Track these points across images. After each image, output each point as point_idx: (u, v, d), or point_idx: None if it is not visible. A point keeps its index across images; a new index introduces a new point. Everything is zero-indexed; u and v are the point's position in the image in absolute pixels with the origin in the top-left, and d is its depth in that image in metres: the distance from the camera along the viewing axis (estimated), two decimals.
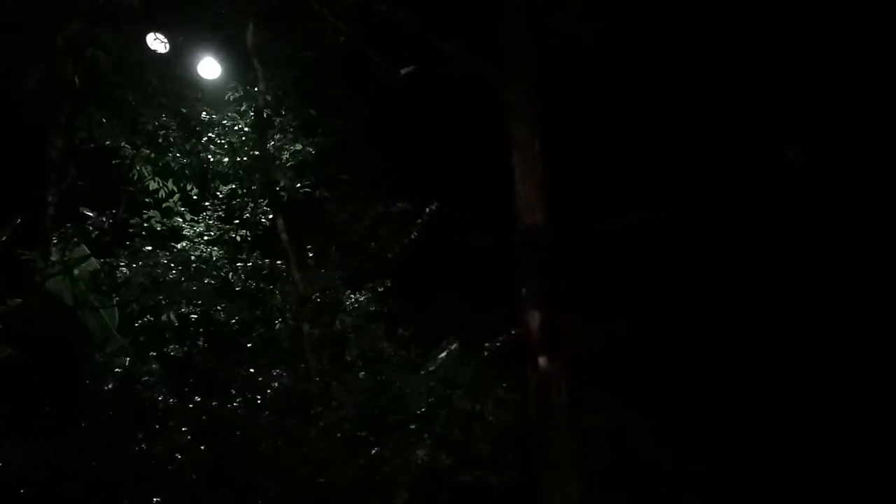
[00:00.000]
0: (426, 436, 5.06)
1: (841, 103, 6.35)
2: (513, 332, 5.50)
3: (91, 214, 5.19)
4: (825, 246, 6.63)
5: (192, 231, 5.94)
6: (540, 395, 5.60)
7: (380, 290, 5.76)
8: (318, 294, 5.54)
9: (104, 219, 5.20)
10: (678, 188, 7.00)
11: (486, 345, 5.59)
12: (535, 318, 5.44)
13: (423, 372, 5.49)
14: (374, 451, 4.87)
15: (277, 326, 5.55)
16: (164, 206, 5.95)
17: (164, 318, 5.42)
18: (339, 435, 4.84)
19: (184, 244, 5.84)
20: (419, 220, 5.85)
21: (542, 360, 5.57)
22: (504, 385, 5.77)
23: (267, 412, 4.94)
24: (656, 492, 6.51)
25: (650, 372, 6.77)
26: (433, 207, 5.92)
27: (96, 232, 5.21)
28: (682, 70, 6.62)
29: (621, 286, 6.86)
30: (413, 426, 5.15)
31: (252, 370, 5.25)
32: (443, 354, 5.67)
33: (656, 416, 6.66)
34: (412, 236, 5.77)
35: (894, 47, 5.96)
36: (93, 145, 5.60)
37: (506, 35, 5.55)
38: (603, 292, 6.62)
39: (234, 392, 5.12)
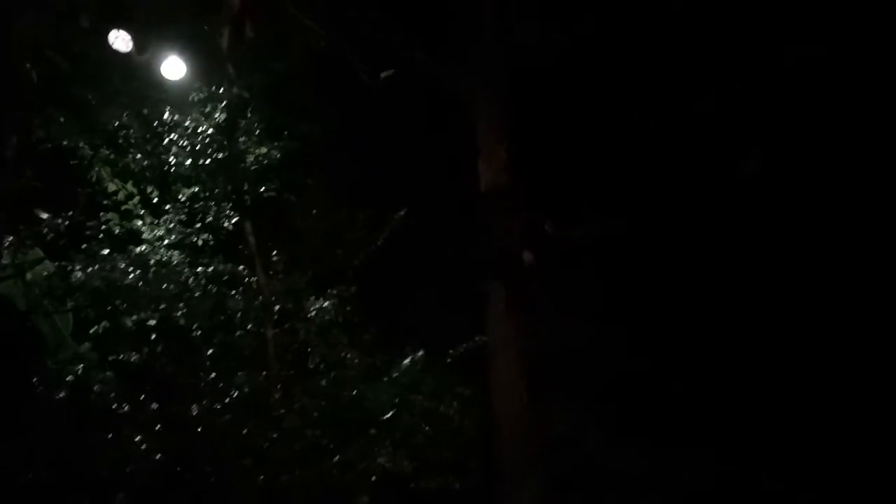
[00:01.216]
0: (388, 442, 5.05)
1: (796, 115, 6.60)
2: (476, 339, 5.54)
3: (46, 216, 5.04)
4: (783, 252, 6.86)
5: (152, 234, 5.80)
6: (501, 399, 5.64)
7: (344, 296, 5.73)
8: (281, 300, 5.48)
9: (60, 221, 5.05)
10: (642, 196, 7.16)
11: (451, 352, 5.61)
12: (496, 324, 5.48)
13: (386, 378, 5.48)
14: (336, 458, 4.84)
15: (239, 333, 5.47)
16: (123, 208, 5.80)
17: (120, 323, 5.28)
18: (300, 441, 4.80)
19: (143, 248, 5.70)
20: (386, 226, 5.85)
21: (503, 365, 5.62)
22: (468, 391, 5.81)
23: (227, 417, 4.86)
24: (617, 496, 6.62)
25: (611, 377, 6.89)
26: (400, 214, 5.94)
27: (51, 234, 5.06)
28: (646, 79, 6.79)
29: (583, 293, 6.97)
30: (375, 432, 5.14)
31: (212, 376, 5.17)
32: (407, 361, 5.67)
33: (617, 421, 6.77)
34: (378, 242, 5.77)
35: (847, 61, 6.24)
36: (50, 145, 5.44)
37: (473, 44, 5.61)
38: (565, 299, 6.72)
39: (192, 399, 5.02)
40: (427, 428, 5.48)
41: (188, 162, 5.84)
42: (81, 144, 5.60)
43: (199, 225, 5.91)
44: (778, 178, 6.83)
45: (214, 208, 5.94)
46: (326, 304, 5.77)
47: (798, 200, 6.82)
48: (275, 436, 4.82)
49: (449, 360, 5.70)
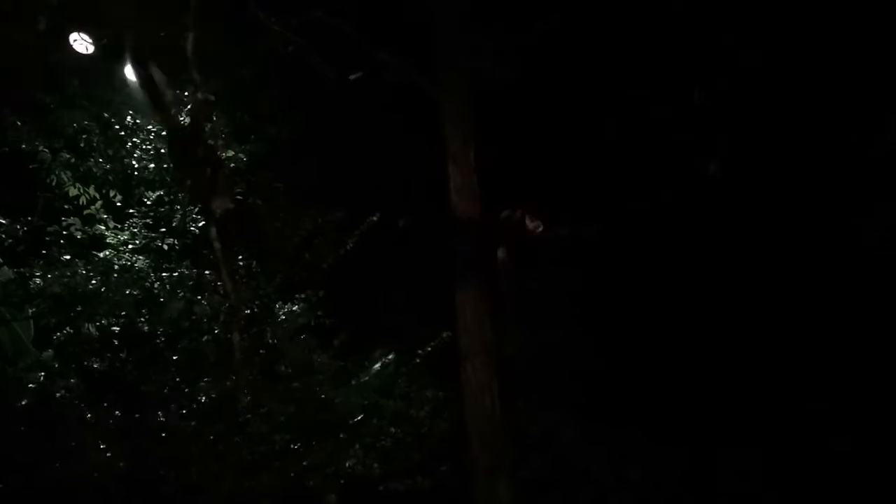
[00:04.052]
0: (357, 445, 5.02)
1: (760, 117, 6.73)
2: (444, 335, 5.54)
3: (3, 221, 4.93)
4: (752, 252, 6.98)
5: (115, 239, 5.70)
6: (473, 401, 5.65)
7: (313, 300, 5.69)
8: (249, 304, 5.42)
9: (18, 226, 4.95)
10: (611, 198, 7.24)
11: (419, 352, 5.60)
12: (468, 326, 5.49)
13: (355, 382, 5.45)
14: (304, 462, 4.79)
15: (206, 338, 5.39)
16: (85, 213, 5.70)
17: (83, 330, 5.18)
18: (267, 446, 4.74)
19: (107, 253, 5.60)
20: (355, 231, 5.83)
21: (475, 368, 5.63)
22: (439, 394, 5.80)
23: (193, 423, 4.79)
24: (591, 495, 6.65)
25: (584, 377, 6.93)
26: (371, 218, 5.92)
27: (9, 240, 4.95)
28: (614, 82, 6.87)
29: (554, 296, 7.01)
30: (345, 435, 5.11)
31: (178, 383, 5.08)
32: (377, 365, 5.66)
33: (591, 421, 6.82)
34: (347, 246, 5.74)
35: (801, 65, 6.39)
36: (7, 149, 5.32)
37: (441, 48, 5.62)
38: (536, 302, 6.75)
39: (158, 405, 4.94)
40: (397, 430, 5.45)
41: (152, 165, 5.75)
42: (41, 148, 5.49)
43: (164, 229, 5.83)
44: (743, 179, 6.96)
45: (180, 212, 5.86)
46: (296, 308, 5.72)
47: (765, 200, 6.96)
48: (241, 441, 4.75)
49: (418, 361, 5.68)
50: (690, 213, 7.09)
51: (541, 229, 6.14)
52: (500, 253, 5.86)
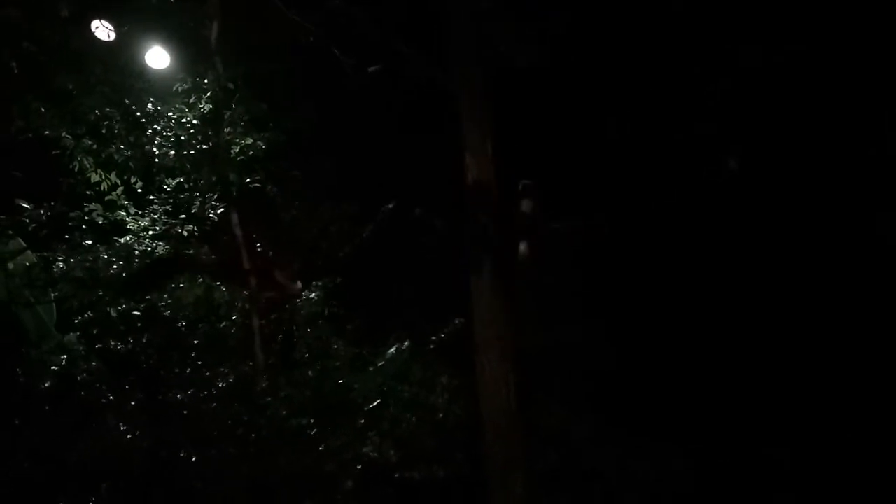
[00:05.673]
0: (373, 432, 5.08)
1: (775, 115, 6.66)
2: (456, 321, 5.55)
3: (27, 206, 5.00)
4: (766, 250, 6.92)
5: (136, 225, 5.78)
6: (489, 393, 5.67)
7: (330, 287, 5.74)
8: (267, 291, 5.49)
9: (42, 211, 5.02)
10: (627, 192, 7.20)
11: (433, 338, 5.64)
12: (483, 318, 5.50)
13: (371, 368, 5.50)
14: (321, 448, 4.86)
15: (224, 324, 5.47)
16: (106, 198, 5.77)
17: (105, 313, 5.26)
18: (286, 430, 4.81)
19: (127, 238, 5.68)
20: (373, 220, 5.87)
21: (489, 361, 5.65)
22: (454, 381, 5.84)
23: (212, 406, 4.87)
24: (603, 491, 6.67)
25: (598, 373, 6.93)
26: (388, 207, 5.94)
27: (33, 225, 5.03)
28: (631, 80, 6.82)
29: (570, 292, 7.00)
30: (362, 421, 5.16)
31: (198, 367, 5.16)
32: (392, 350, 5.70)
33: (604, 417, 6.82)
34: (364, 235, 5.78)
35: (815, 62, 6.30)
36: (31, 135, 5.39)
37: (456, 40, 5.60)
38: (552, 297, 6.75)
39: (178, 388, 5.02)
40: (413, 417, 5.50)
41: (172, 152, 5.80)
42: (63, 134, 5.56)
43: (184, 216, 5.89)
44: (758, 177, 6.90)
45: (199, 199, 5.91)
46: (313, 295, 5.78)
47: (779, 199, 6.90)
48: (259, 425, 4.82)
49: (433, 347, 5.72)
50: (708, 210, 7.04)
51: (556, 222, 6.13)
52: (516, 246, 5.85)
